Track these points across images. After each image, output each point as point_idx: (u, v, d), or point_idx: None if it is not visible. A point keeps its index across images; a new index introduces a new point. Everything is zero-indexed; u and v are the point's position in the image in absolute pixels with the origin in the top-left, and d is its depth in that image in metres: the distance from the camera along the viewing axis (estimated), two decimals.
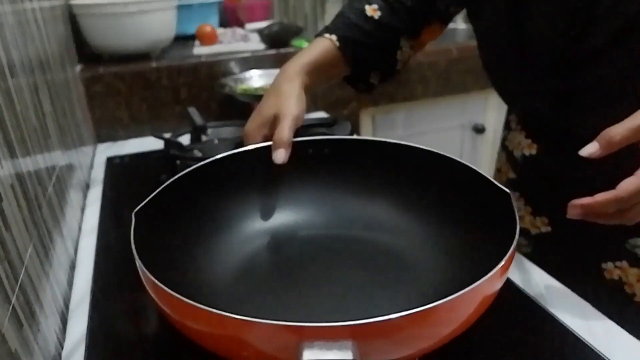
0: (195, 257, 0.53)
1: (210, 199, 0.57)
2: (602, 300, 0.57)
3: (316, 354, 0.32)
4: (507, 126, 0.76)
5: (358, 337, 0.33)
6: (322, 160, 0.61)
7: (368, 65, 0.70)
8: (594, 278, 0.65)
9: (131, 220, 0.44)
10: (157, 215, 0.48)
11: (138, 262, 0.40)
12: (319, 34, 0.68)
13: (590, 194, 0.44)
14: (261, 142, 0.60)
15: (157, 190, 0.49)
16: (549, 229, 0.69)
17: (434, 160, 0.56)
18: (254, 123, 0.62)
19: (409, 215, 0.59)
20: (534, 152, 0.69)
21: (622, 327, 0.52)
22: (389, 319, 0.33)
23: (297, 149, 0.60)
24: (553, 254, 0.69)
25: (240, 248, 0.57)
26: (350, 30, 0.66)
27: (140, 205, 0.46)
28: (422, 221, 0.58)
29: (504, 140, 0.77)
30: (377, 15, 0.66)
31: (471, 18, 0.70)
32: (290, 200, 0.62)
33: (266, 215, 0.61)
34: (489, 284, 0.38)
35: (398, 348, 0.36)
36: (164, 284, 0.37)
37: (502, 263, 0.38)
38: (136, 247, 0.41)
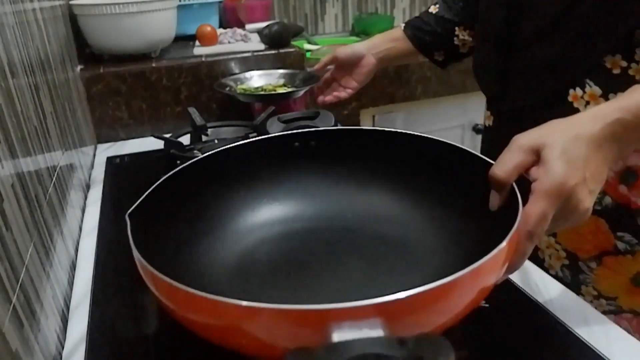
0: (192, 256, 0.52)
1: (202, 196, 0.57)
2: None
3: (347, 334, 0.32)
4: None
5: (385, 314, 0.33)
6: (310, 153, 0.62)
7: (428, 46, 0.91)
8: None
9: (126, 222, 0.44)
10: (151, 215, 0.48)
11: (137, 255, 0.40)
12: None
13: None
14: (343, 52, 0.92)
15: (149, 190, 0.49)
16: None
17: (424, 145, 0.57)
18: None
19: (403, 202, 0.59)
20: (491, 123, 0.78)
21: None
22: (416, 293, 0.33)
23: (283, 143, 0.60)
24: None
25: (235, 245, 0.57)
26: (414, 21, 0.92)
27: (134, 206, 0.46)
28: (417, 207, 0.58)
29: None
30: (435, 11, 0.89)
31: None
32: (280, 194, 0.62)
33: (258, 210, 0.61)
34: (499, 256, 0.38)
35: (420, 324, 0.36)
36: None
37: (509, 238, 0.39)
38: (135, 245, 0.41)
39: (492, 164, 0.47)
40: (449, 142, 0.54)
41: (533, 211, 0.42)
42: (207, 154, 0.57)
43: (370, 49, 0.92)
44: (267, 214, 0.61)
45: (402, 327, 0.34)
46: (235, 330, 0.36)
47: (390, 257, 0.54)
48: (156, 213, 0.49)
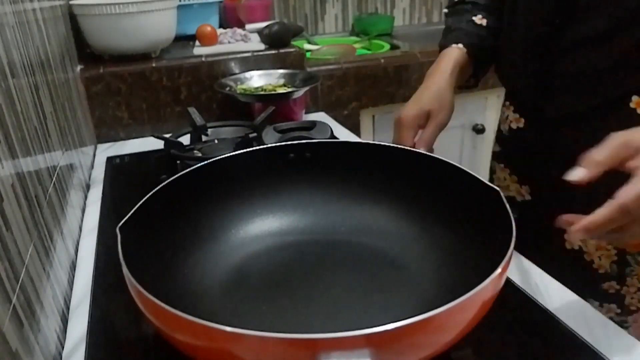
0: (184, 268, 0.52)
1: (194, 208, 0.56)
2: (564, 271, 0.61)
3: None
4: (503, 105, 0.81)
5: (374, 344, 0.33)
6: (304, 164, 0.61)
7: (488, 62, 0.80)
8: (555, 249, 0.71)
9: (117, 235, 0.44)
10: (143, 227, 0.47)
11: (126, 272, 0.40)
12: (445, 46, 0.77)
13: (566, 168, 0.45)
14: (414, 131, 0.68)
15: (141, 202, 0.49)
16: (529, 197, 0.76)
17: (419, 161, 0.57)
18: (411, 112, 0.69)
19: (397, 218, 0.59)
20: (521, 125, 0.75)
21: (582, 295, 0.56)
22: (405, 325, 0.33)
23: (278, 154, 0.60)
24: (533, 221, 0.74)
25: (228, 257, 0.56)
26: (471, 38, 0.77)
27: (124, 219, 0.46)
28: (410, 223, 0.58)
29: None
30: (485, 22, 0.77)
31: None
32: (273, 206, 0.61)
33: (251, 222, 0.60)
34: (493, 284, 0.38)
35: (409, 353, 0.36)
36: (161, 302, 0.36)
37: (504, 261, 0.38)
38: (125, 259, 0.41)
39: (488, 185, 0.47)
40: (445, 159, 0.55)
41: (634, 189, 0.43)
42: (199, 164, 0.57)
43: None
44: (260, 226, 0.60)
45: (391, 355, 0.35)
46: (222, 353, 0.36)
47: (383, 273, 0.54)
48: (148, 225, 0.49)
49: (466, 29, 0.78)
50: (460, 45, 0.77)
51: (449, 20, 0.81)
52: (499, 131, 0.81)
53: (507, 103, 0.78)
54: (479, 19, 0.79)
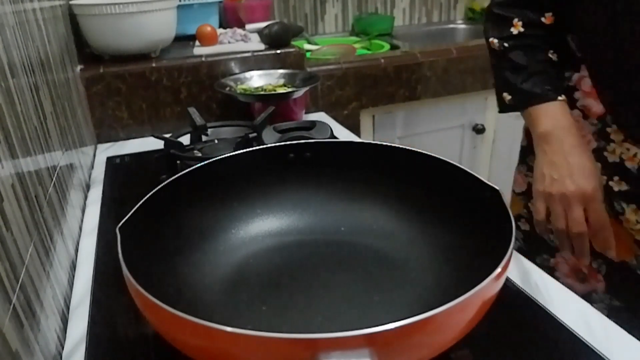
0: (184, 268, 0.52)
1: (194, 208, 0.56)
2: None
3: None
4: (605, 137, 0.71)
5: (375, 344, 0.33)
6: (304, 164, 0.61)
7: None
8: None
9: (117, 235, 0.44)
10: (143, 227, 0.47)
11: (125, 272, 0.40)
12: (544, 99, 0.68)
13: None
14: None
15: (141, 202, 0.49)
16: None
17: (419, 161, 0.57)
18: (598, 185, 0.64)
19: (397, 218, 0.59)
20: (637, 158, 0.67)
21: None
22: (405, 324, 0.33)
23: (277, 154, 0.60)
24: None
25: (227, 257, 0.56)
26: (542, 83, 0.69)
27: (124, 219, 0.46)
28: (410, 223, 0.58)
29: (601, 150, 0.71)
30: (556, 57, 0.71)
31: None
32: (273, 206, 0.61)
33: (251, 223, 0.60)
34: (493, 284, 0.38)
35: (409, 353, 0.36)
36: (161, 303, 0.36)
37: (504, 261, 0.38)
38: (124, 259, 0.41)
39: (488, 184, 0.47)
40: (445, 159, 0.55)
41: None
42: (199, 164, 0.57)
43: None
44: (260, 227, 0.60)
45: (391, 355, 0.35)
46: (222, 353, 0.36)
47: (383, 274, 0.54)
48: (148, 225, 0.49)
49: (550, 76, 0.69)
50: (563, 96, 0.68)
51: (517, 56, 0.70)
52: (624, 168, 0.69)
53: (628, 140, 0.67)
54: (552, 55, 0.70)
